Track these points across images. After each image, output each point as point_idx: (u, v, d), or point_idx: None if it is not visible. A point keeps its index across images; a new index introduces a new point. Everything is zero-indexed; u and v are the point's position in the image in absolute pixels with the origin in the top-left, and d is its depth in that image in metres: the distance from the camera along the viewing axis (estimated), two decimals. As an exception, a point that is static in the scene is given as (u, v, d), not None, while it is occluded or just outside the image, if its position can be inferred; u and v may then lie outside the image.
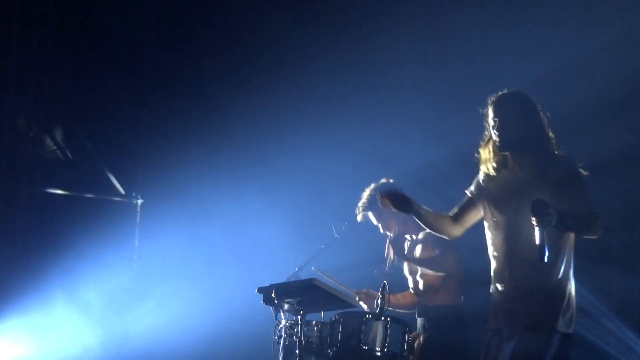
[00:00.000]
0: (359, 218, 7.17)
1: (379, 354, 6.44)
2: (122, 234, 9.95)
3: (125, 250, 9.92)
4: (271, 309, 6.82)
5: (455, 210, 5.52)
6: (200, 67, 10.60)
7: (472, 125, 5.54)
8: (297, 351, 6.55)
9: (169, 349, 9.30)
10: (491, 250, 5.27)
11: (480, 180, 5.41)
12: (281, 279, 6.98)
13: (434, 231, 5.55)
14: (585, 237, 5.01)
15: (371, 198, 7.01)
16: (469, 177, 5.56)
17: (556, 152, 5.21)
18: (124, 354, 9.38)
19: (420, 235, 7.09)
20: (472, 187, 5.48)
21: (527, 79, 7.87)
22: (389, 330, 6.46)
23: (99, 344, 9.50)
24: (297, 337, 6.61)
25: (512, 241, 5.10)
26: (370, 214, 7.16)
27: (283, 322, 6.84)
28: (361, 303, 6.91)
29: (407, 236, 7.21)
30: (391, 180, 7.18)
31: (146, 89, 10.57)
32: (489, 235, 5.31)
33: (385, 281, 6.55)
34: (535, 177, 5.10)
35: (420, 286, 7.12)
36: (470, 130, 5.59)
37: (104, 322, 9.61)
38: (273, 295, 6.61)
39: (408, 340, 6.57)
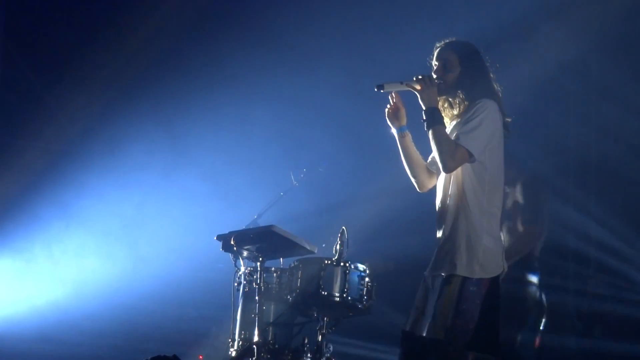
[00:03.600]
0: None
1: (337, 299, 6.53)
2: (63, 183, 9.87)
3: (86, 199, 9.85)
4: (230, 256, 6.91)
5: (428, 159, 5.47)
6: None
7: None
8: (256, 297, 6.65)
9: (129, 299, 9.31)
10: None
11: None
12: (240, 226, 7.01)
13: (410, 169, 5.38)
14: (437, 152, 5.01)
15: None
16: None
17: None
18: (87, 304, 9.37)
19: None
20: None
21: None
22: (347, 277, 6.54)
23: (65, 294, 9.50)
24: (256, 284, 6.70)
25: (443, 190, 5.19)
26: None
27: (242, 269, 6.92)
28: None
29: None
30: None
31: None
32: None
33: (343, 227, 6.64)
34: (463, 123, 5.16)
35: None
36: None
37: (69, 273, 9.60)
38: (232, 243, 6.69)
39: (367, 285, 6.66)
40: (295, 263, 6.78)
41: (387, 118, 5.32)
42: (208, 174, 9.65)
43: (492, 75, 5.28)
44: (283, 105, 9.81)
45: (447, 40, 5.32)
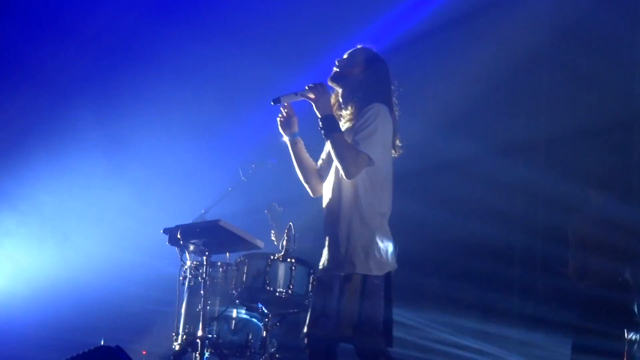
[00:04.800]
0: None
1: (283, 294, 6.56)
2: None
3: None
4: (176, 250, 6.90)
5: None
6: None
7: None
8: (201, 292, 6.66)
9: (72, 292, 9.26)
10: None
11: None
12: (187, 220, 7.01)
13: (303, 175, 5.55)
14: (337, 159, 5.12)
15: None
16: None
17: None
18: (30, 297, 9.32)
19: None
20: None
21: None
22: (293, 272, 6.55)
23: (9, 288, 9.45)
24: (202, 278, 6.72)
25: (334, 193, 5.31)
26: None
27: (188, 263, 6.92)
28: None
29: None
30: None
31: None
32: None
33: (290, 223, 6.66)
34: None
35: None
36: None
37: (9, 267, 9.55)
38: (178, 236, 6.69)
39: (312, 281, 6.69)
40: (242, 258, 6.77)
41: (279, 127, 5.48)
42: (156, 167, 9.63)
43: (393, 92, 5.42)
44: (231, 97, 9.84)
45: (361, 46, 5.49)
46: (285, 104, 5.40)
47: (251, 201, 8.08)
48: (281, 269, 6.56)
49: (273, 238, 7.61)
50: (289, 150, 5.50)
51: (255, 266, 6.61)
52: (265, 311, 6.76)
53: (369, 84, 5.33)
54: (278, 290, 6.54)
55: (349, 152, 5.10)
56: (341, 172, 5.15)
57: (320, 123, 5.22)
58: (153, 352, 8.55)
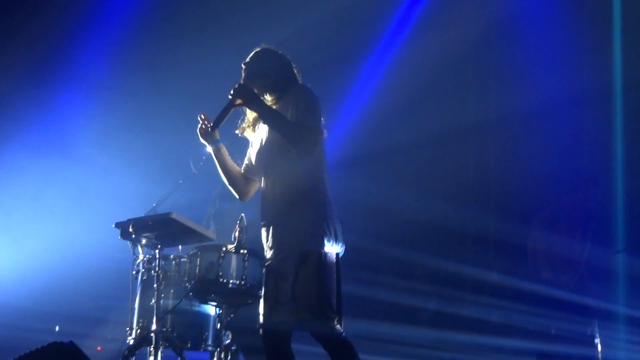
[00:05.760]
0: None
1: (236, 286, 6.56)
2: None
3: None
4: (129, 244, 6.91)
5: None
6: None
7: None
8: (154, 285, 6.68)
9: (25, 289, 9.23)
10: None
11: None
12: (139, 214, 7.00)
13: (229, 179, 5.73)
14: (293, 138, 5.25)
15: None
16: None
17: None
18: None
19: None
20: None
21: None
22: (246, 264, 6.55)
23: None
24: (155, 272, 6.73)
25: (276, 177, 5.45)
26: None
27: (141, 257, 6.93)
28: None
29: None
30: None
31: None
32: None
33: (242, 214, 6.67)
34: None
35: None
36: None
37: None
38: (130, 230, 6.70)
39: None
40: (194, 250, 6.75)
41: (200, 137, 5.64)
42: (106, 162, 9.61)
43: (294, 66, 5.62)
44: (182, 95, 9.85)
45: (259, 47, 5.65)
46: (202, 115, 5.57)
47: (203, 193, 8.07)
48: (234, 261, 6.55)
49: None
50: (213, 157, 5.67)
51: (208, 258, 6.59)
52: (219, 303, 6.79)
53: (277, 73, 5.51)
54: (231, 282, 6.54)
55: (303, 130, 5.23)
56: (287, 150, 5.27)
57: (262, 117, 5.40)
58: (107, 348, 8.55)
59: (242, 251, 6.58)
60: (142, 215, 6.95)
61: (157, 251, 6.78)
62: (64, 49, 10.16)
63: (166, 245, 6.86)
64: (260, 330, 5.40)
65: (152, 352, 6.56)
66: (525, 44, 10.71)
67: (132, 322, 6.88)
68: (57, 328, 8.84)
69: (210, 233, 6.86)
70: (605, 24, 10.91)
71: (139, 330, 6.81)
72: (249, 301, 6.80)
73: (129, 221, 6.75)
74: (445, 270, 10.34)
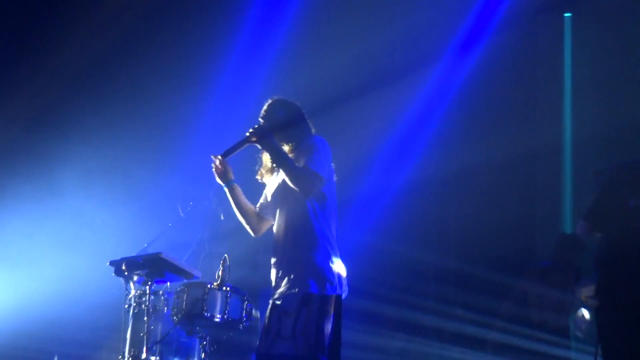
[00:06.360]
0: None
1: (218, 320, 6.70)
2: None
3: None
4: (122, 280, 7.00)
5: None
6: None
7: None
8: (145, 318, 6.77)
9: (27, 321, 9.21)
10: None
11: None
12: (131, 253, 7.11)
13: (243, 216, 5.66)
14: (294, 180, 5.26)
15: None
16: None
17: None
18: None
19: None
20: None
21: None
22: (228, 299, 6.71)
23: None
24: (145, 306, 6.83)
25: (285, 219, 5.45)
26: None
27: (133, 292, 7.00)
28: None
29: None
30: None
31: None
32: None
33: (226, 255, 6.82)
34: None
35: None
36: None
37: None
38: (123, 268, 6.82)
39: (246, 307, 6.85)
40: (181, 287, 6.89)
41: (216, 178, 5.59)
42: (103, 204, 9.64)
43: (308, 121, 5.61)
44: (171, 140, 9.92)
45: (272, 98, 5.65)
46: (216, 157, 5.51)
47: (189, 235, 8.17)
48: (217, 297, 6.70)
49: (222, 218, 7.72)
50: (228, 196, 5.60)
51: (194, 294, 6.74)
52: (203, 335, 6.90)
53: (292, 123, 5.51)
54: (215, 316, 6.68)
55: (303, 173, 5.24)
56: (298, 193, 5.27)
57: (272, 157, 5.41)
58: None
59: (224, 288, 6.72)
60: (134, 254, 7.06)
61: (147, 287, 6.87)
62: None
63: (156, 281, 6.95)
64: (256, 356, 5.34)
65: (142, 379, 6.67)
66: (484, 103, 10.87)
67: (124, 352, 6.92)
68: (55, 358, 8.83)
69: (196, 271, 6.95)
70: (556, 87, 11.14)
71: (130, 358, 6.85)
72: (231, 333, 6.92)
73: (122, 260, 6.87)
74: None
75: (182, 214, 7.61)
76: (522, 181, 11.06)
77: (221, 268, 6.73)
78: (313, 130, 5.61)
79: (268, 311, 5.37)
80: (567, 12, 11.12)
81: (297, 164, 5.32)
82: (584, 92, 11.08)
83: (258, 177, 5.66)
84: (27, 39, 10.15)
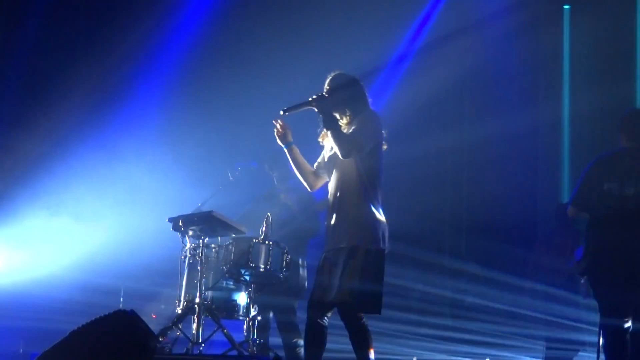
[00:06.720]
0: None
1: (262, 270, 6.61)
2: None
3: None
4: (178, 235, 6.92)
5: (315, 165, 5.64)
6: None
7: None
8: (198, 267, 6.71)
9: (102, 270, 9.23)
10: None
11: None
12: (187, 211, 7.01)
13: (300, 174, 5.57)
14: (336, 144, 5.20)
15: None
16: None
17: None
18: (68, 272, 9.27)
19: None
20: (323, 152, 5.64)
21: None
22: (270, 252, 6.61)
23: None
24: (199, 257, 6.75)
25: (340, 180, 5.34)
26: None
27: (188, 245, 6.92)
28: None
29: None
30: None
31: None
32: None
33: (268, 214, 6.72)
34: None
35: None
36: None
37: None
38: (180, 224, 6.74)
39: (286, 259, 6.73)
40: (230, 241, 6.80)
41: (277, 139, 5.49)
42: (164, 169, 9.63)
43: (368, 98, 5.48)
44: (222, 114, 9.83)
45: (335, 72, 5.50)
46: (278, 120, 5.43)
47: (237, 196, 8.07)
48: (261, 250, 6.60)
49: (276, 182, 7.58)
50: (287, 156, 5.53)
51: (241, 247, 6.65)
52: (249, 283, 6.80)
53: (352, 98, 5.39)
54: (260, 266, 6.59)
55: (344, 139, 5.18)
56: (338, 153, 5.20)
57: (322, 122, 5.30)
58: (161, 315, 8.53)
59: (267, 242, 6.62)
60: (190, 212, 6.98)
61: (200, 241, 6.80)
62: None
63: (208, 236, 6.86)
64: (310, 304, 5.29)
65: (196, 320, 6.59)
66: (490, 88, 10.74)
67: (180, 296, 6.84)
68: (121, 299, 8.82)
69: (243, 227, 6.86)
70: (555, 69, 10.95)
71: (185, 303, 6.77)
72: (272, 281, 6.83)
73: (179, 217, 6.79)
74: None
75: (231, 178, 7.52)
76: (525, 154, 10.90)
77: (264, 225, 6.64)
78: (370, 101, 5.45)
79: (320, 263, 5.26)
80: (566, 5, 10.93)
81: (347, 132, 5.23)
82: (580, 75, 10.87)
83: (320, 139, 5.52)
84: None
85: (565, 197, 10.40)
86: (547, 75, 11.17)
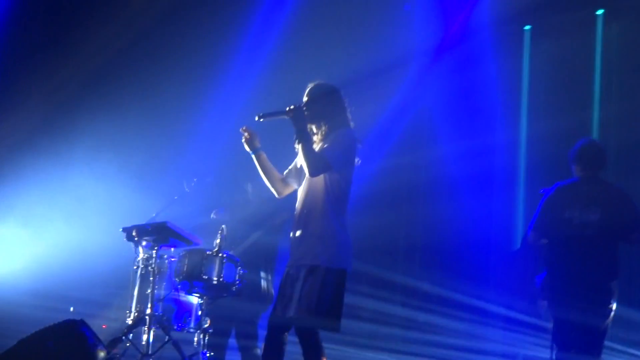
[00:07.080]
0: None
1: (215, 282, 6.61)
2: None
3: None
4: (132, 245, 6.90)
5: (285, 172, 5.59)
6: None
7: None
8: (151, 278, 6.70)
9: (49, 280, 9.14)
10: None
11: None
12: (141, 222, 6.99)
13: (268, 180, 5.50)
14: (305, 161, 5.15)
15: None
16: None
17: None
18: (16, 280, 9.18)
19: None
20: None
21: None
22: (223, 265, 6.62)
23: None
24: (151, 268, 6.74)
25: (306, 195, 5.32)
26: None
27: (141, 255, 6.91)
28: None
29: None
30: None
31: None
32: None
33: (223, 226, 6.72)
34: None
35: None
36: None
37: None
38: (134, 234, 6.72)
39: (239, 272, 6.73)
40: (184, 252, 6.80)
41: (245, 145, 5.44)
42: (117, 179, 9.57)
43: (348, 111, 5.41)
44: (178, 123, 9.81)
45: (316, 82, 5.44)
46: (245, 128, 5.39)
47: (192, 207, 8.05)
48: (215, 262, 6.61)
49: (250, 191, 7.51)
50: (255, 162, 5.46)
51: (194, 259, 6.65)
52: (201, 295, 6.79)
53: (330, 112, 5.33)
54: (212, 278, 6.59)
55: (314, 157, 5.13)
56: (306, 172, 5.18)
57: (295, 135, 5.20)
58: (110, 326, 8.46)
59: (220, 255, 6.62)
60: (144, 223, 6.96)
61: (153, 251, 6.79)
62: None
63: (161, 247, 6.85)
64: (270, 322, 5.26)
65: (146, 331, 6.58)
66: (449, 108, 10.84)
67: (131, 307, 6.83)
68: (71, 309, 8.74)
69: (197, 239, 6.86)
70: (515, 92, 11.08)
71: (136, 314, 6.76)
72: (224, 294, 6.83)
73: (132, 227, 6.79)
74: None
75: (186, 189, 7.52)
76: (482, 172, 11.00)
77: (218, 237, 6.65)
78: (351, 123, 5.39)
79: (283, 278, 5.25)
80: (526, 25, 11.06)
81: (320, 148, 5.21)
82: (538, 97, 11.02)
83: (296, 145, 5.34)
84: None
85: (520, 218, 10.52)
86: (507, 96, 11.28)
